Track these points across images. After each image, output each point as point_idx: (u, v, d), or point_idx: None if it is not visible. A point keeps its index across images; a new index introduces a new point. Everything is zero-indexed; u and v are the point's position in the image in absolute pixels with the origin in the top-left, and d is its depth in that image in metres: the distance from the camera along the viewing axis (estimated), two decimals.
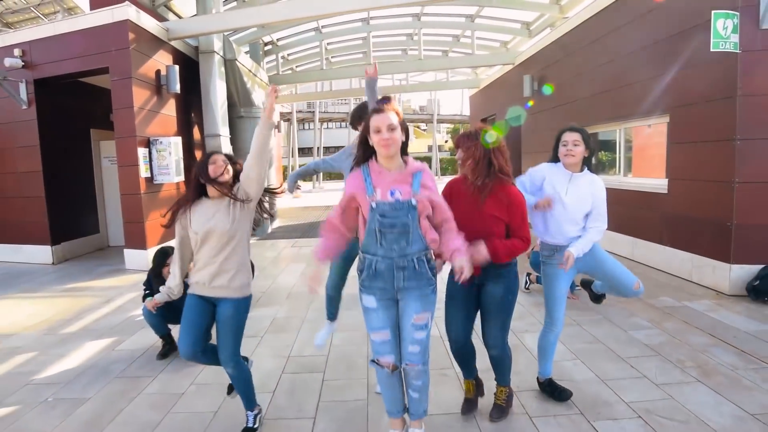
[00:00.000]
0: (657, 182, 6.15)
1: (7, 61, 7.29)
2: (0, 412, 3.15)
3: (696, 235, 5.38)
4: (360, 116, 3.37)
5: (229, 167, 2.66)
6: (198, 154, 9.45)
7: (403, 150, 2.26)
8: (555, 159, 3.01)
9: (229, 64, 9.72)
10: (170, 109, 8.26)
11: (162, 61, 7.89)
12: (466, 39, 12.60)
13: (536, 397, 3.08)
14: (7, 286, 6.58)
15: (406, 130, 2.23)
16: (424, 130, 53.38)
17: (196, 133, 9.44)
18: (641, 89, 6.30)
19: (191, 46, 9.01)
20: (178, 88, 7.92)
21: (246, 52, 11.59)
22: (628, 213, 6.64)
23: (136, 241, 7.42)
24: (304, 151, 36.52)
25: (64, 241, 8.21)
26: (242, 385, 2.72)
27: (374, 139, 2.18)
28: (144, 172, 7.32)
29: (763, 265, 4.79)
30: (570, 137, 2.89)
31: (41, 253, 7.93)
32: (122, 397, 3.30)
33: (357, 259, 2.42)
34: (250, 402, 2.76)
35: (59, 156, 8.10)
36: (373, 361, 2.39)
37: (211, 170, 2.63)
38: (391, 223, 2.17)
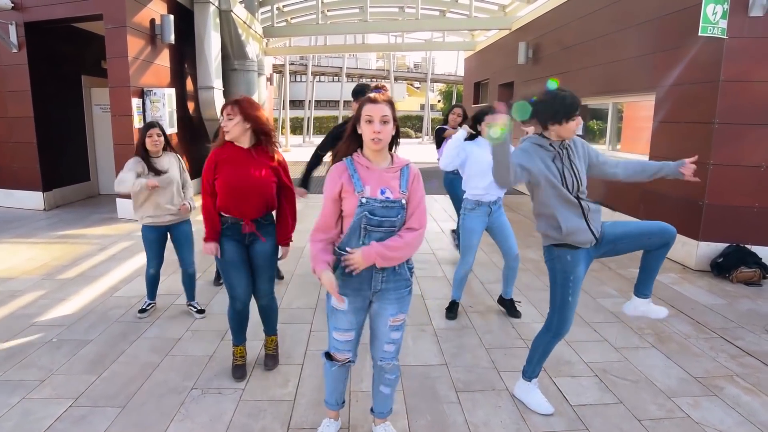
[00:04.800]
0: (639, 158, 6.38)
1: None
2: (8, 350, 3.38)
3: (670, 212, 5.66)
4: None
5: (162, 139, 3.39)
6: (191, 106, 9.44)
7: (391, 145, 2.11)
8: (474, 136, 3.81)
9: (224, 15, 9.59)
10: (164, 59, 8.20)
11: (157, 9, 7.78)
12: (465, 0, 12.44)
13: (505, 355, 3.38)
14: (1, 231, 6.71)
15: (397, 125, 2.08)
16: (417, 88, 52.81)
17: (189, 85, 9.40)
18: (632, 65, 6.42)
19: None
20: (172, 38, 7.86)
21: (241, 2, 11.36)
22: (611, 185, 6.89)
23: None
24: (296, 104, 36.03)
25: (56, 187, 8.29)
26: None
27: (365, 130, 2.01)
28: (137, 123, 7.35)
29: (728, 244, 5.09)
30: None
31: (33, 199, 8.02)
32: (123, 339, 3.54)
33: None
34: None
35: (50, 102, 8.06)
36: (326, 354, 2.31)
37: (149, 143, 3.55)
38: (379, 222, 2.03)
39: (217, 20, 9.35)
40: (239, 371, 3.04)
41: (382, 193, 2.03)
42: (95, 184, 9.56)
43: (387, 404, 2.42)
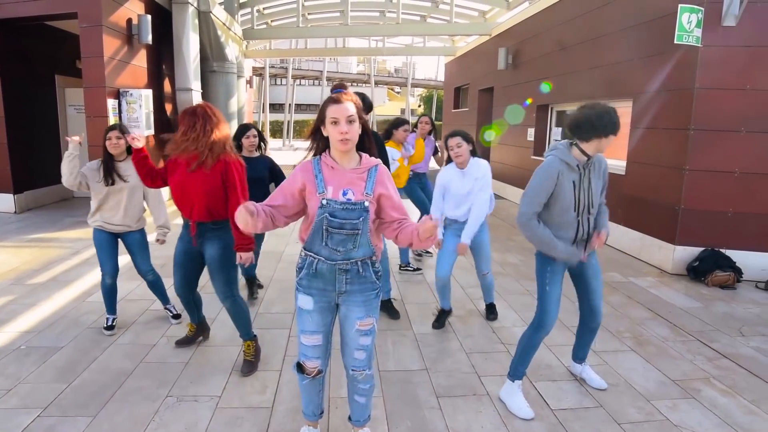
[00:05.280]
0: (617, 163, 6.48)
1: None
2: None
3: (646, 216, 5.75)
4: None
5: (122, 141, 3.34)
6: (168, 108, 9.28)
7: (361, 145, 2.06)
8: (450, 160, 3.72)
9: (203, 16, 9.47)
10: (141, 60, 8.05)
11: (134, 9, 7.64)
12: (445, 5, 12.53)
13: (486, 359, 3.37)
14: None
15: (364, 123, 2.04)
16: (398, 92, 53.01)
17: (167, 86, 9.24)
18: (609, 72, 6.53)
19: None
20: (149, 38, 7.72)
21: (220, 4, 11.25)
22: None
23: None
24: (276, 107, 35.81)
25: (27, 189, 8.05)
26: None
27: (330, 132, 1.94)
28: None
29: (703, 248, 5.19)
30: (453, 142, 3.56)
31: (3, 202, 7.77)
32: (95, 346, 3.43)
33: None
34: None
35: (22, 102, 7.84)
36: (297, 365, 2.23)
37: (109, 146, 3.40)
38: (340, 224, 1.98)
39: (196, 21, 9.22)
40: (182, 341, 3.45)
41: (344, 194, 1.98)
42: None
43: (364, 413, 2.37)
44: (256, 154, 4.21)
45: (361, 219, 2.00)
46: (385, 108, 46.11)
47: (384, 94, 48.47)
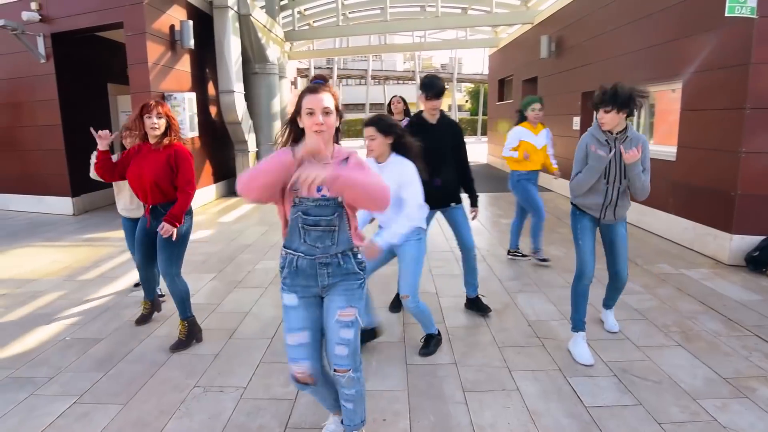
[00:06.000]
0: (667, 149, 6.09)
1: (25, 15, 7.39)
2: (23, 348, 3.44)
3: (699, 204, 5.37)
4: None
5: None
6: (213, 110, 9.57)
7: (335, 137, 2.00)
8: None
9: (243, 20, 9.69)
10: (184, 64, 8.33)
11: (176, 15, 7.91)
12: None
13: (519, 354, 3.23)
14: (31, 235, 6.92)
15: (341, 115, 1.99)
16: (446, 88, 52.32)
17: (210, 89, 9.53)
18: (656, 53, 6.14)
19: (206, 1, 8.98)
20: (192, 43, 7.97)
21: (261, 7, 11.48)
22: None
23: None
24: None
25: (84, 193, 8.51)
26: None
27: (306, 123, 1.88)
28: None
29: (764, 237, 4.79)
30: (366, 132, 2.87)
31: (62, 204, 8.25)
32: (133, 338, 3.55)
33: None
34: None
35: (77, 110, 8.29)
36: (293, 378, 2.11)
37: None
38: (315, 222, 1.94)
39: (236, 24, 9.45)
40: (140, 320, 3.80)
41: (319, 189, 1.91)
42: None
43: (354, 418, 2.21)
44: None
45: (336, 215, 1.95)
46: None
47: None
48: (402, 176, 2.78)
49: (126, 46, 7.24)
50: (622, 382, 2.85)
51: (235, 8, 9.32)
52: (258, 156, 10.58)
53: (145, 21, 7.03)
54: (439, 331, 3.36)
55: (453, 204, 3.66)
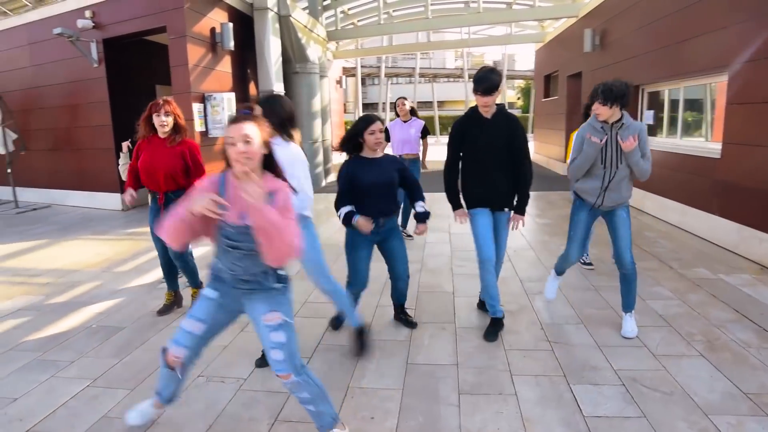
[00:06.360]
0: (710, 146, 5.71)
1: (80, 23, 7.88)
2: (54, 332, 3.69)
3: (746, 204, 5.00)
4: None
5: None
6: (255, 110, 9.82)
7: (269, 165, 2.03)
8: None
9: (284, 21, 9.88)
10: (225, 65, 8.61)
11: (217, 18, 8.19)
12: None
13: (525, 357, 3.14)
14: (81, 229, 7.38)
15: (267, 144, 2.00)
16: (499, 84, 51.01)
17: (252, 89, 9.79)
18: (704, 43, 5.76)
19: (246, 3, 9.22)
20: (232, 45, 8.22)
21: (304, 9, 11.68)
22: (681, 178, 6.24)
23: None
24: (368, 107, 36.58)
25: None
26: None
27: (229, 153, 1.92)
28: (199, 127, 7.78)
29: None
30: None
31: (112, 200, 8.75)
32: (152, 328, 3.72)
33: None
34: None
35: (127, 111, 8.72)
36: (163, 349, 2.21)
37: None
38: (236, 246, 2.00)
39: (277, 25, 9.65)
40: (162, 310, 3.99)
41: (243, 218, 1.94)
42: None
43: (321, 419, 2.23)
44: (379, 153, 3.28)
45: (256, 243, 1.94)
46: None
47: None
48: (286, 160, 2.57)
49: (169, 49, 7.57)
50: (629, 392, 2.71)
51: (275, 10, 9.53)
52: None
53: (186, 25, 7.33)
54: (364, 325, 3.24)
55: (504, 209, 3.47)
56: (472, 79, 3.35)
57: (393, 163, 3.32)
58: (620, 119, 3.21)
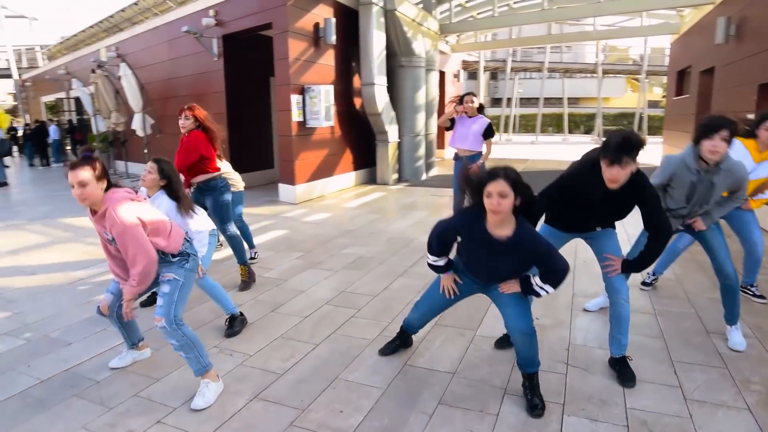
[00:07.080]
0: None
1: (204, 21, 8.83)
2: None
3: None
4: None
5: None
6: (357, 102, 10.18)
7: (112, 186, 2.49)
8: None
9: (389, 14, 10.04)
10: (328, 58, 9.03)
11: (321, 14, 8.61)
12: None
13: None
14: None
15: (107, 178, 2.46)
16: (646, 80, 46.50)
17: (356, 82, 10.13)
18: None
19: None
20: (334, 39, 8.60)
21: (418, 4, 11.72)
22: None
23: (287, 177, 8.57)
24: (497, 102, 35.64)
25: (242, 173, 9.80)
26: None
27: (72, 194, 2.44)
28: (296, 117, 8.30)
29: None
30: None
31: None
32: (195, 300, 4.09)
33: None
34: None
35: (242, 101, 9.63)
36: (97, 308, 2.89)
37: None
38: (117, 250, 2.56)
39: (381, 19, 9.84)
40: (242, 287, 4.36)
41: (107, 234, 2.46)
42: (277, 171, 11.07)
43: (192, 365, 2.64)
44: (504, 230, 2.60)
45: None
46: (624, 100, 41.38)
47: (622, 85, 43.36)
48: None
49: (273, 43, 8.16)
50: None
51: (381, 4, 9.72)
52: (399, 147, 10.92)
53: (288, 20, 7.82)
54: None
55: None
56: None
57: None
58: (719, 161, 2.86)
